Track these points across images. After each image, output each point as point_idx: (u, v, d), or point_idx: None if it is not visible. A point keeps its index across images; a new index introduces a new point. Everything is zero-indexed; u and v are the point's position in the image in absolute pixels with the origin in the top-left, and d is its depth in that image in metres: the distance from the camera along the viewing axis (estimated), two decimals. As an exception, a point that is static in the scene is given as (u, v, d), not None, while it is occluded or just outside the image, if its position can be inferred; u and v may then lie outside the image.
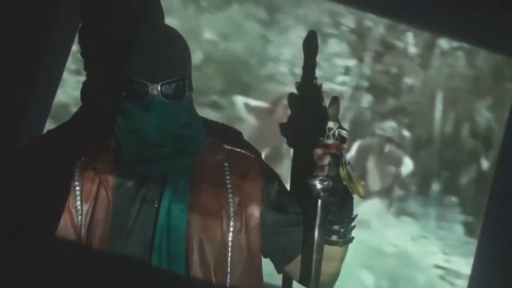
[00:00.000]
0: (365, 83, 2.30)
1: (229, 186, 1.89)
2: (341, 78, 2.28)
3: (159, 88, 1.81)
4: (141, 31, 1.86)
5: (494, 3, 2.27)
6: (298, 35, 2.25)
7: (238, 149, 1.98)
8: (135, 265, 1.82)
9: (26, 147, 2.22)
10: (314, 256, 1.82)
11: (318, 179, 1.77)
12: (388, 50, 2.31)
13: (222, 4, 2.24)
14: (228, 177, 1.90)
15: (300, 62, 2.24)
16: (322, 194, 1.78)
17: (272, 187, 1.94)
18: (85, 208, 1.86)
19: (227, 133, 2.20)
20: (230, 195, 1.88)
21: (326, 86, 2.27)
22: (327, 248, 1.85)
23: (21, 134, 2.23)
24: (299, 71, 2.25)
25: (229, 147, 1.97)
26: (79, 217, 1.86)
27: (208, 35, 2.24)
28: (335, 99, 1.82)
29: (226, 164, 1.92)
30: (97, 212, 1.84)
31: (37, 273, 1.85)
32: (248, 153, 1.98)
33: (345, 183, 1.77)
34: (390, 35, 2.30)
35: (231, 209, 1.87)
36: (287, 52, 2.25)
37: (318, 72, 2.26)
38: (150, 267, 1.81)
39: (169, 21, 2.21)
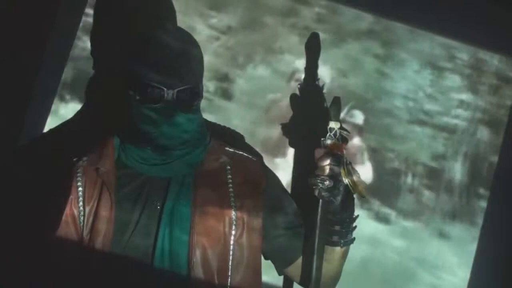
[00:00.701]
0: (480, 116, 2.28)
1: (231, 189, 1.88)
2: (456, 111, 2.27)
3: (174, 94, 1.80)
4: (158, 33, 1.83)
5: None
6: (413, 69, 2.26)
7: (240, 152, 1.97)
8: (137, 268, 1.81)
9: (27, 147, 2.21)
10: (315, 256, 1.81)
11: (319, 178, 1.76)
12: (504, 83, 2.28)
13: (338, 40, 2.26)
14: (230, 180, 1.89)
15: (415, 96, 2.25)
16: (323, 193, 1.77)
17: (273, 190, 1.93)
18: (87, 209, 1.84)
19: (229, 135, 2.19)
20: (232, 199, 1.87)
21: (441, 120, 2.26)
22: (328, 249, 1.83)
23: (21, 134, 2.22)
24: (413, 104, 2.25)
25: (232, 150, 1.96)
26: (81, 218, 1.84)
27: (324, 71, 2.26)
28: (337, 100, 1.82)
29: (229, 167, 1.91)
30: (100, 214, 1.82)
31: (38, 274, 1.84)
32: (250, 156, 1.97)
33: (346, 182, 1.75)
34: (505, 68, 2.28)
35: (233, 213, 1.86)
36: (401, 86, 2.25)
37: (433, 106, 2.26)
38: (152, 270, 1.80)
39: (286, 57, 2.25)
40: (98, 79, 2.25)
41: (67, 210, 1.85)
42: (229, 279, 1.84)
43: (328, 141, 1.79)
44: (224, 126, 2.22)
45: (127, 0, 2.29)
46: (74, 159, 1.92)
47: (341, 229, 1.84)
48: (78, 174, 1.87)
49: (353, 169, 1.78)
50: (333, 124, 1.79)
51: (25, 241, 1.92)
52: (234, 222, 1.86)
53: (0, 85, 2.22)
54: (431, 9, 2.26)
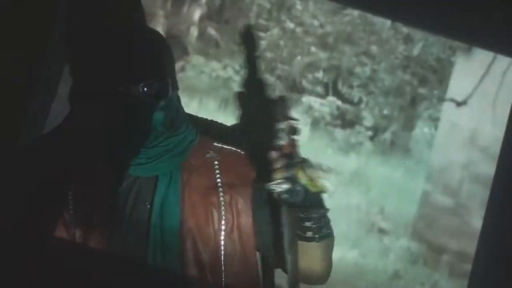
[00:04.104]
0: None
1: (219, 184, 1.87)
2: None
3: (140, 89, 1.80)
4: (120, 32, 1.85)
5: None
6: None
7: (228, 146, 1.95)
8: (129, 266, 1.82)
9: (21, 150, 2.16)
10: (290, 257, 1.79)
11: (275, 182, 1.74)
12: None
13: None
14: (219, 175, 1.88)
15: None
16: (282, 196, 1.75)
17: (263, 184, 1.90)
18: (79, 212, 1.85)
19: (217, 129, 2.13)
20: (221, 194, 1.86)
21: None
22: (304, 245, 1.81)
23: (21, 134, 2.24)
24: None
25: (219, 145, 1.94)
26: (73, 221, 1.85)
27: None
28: (282, 98, 1.79)
29: (216, 162, 1.89)
30: (91, 216, 1.84)
31: (32, 276, 1.83)
32: (239, 150, 1.95)
33: (303, 182, 1.74)
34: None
35: (222, 207, 1.85)
36: None
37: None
38: (144, 267, 1.81)
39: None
40: (77, 83, 2.23)
41: (59, 214, 1.87)
42: (223, 274, 1.85)
43: (279, 143, 1.77)
44: (212, 120, 2.20)
45: (96, 3, 2.32)
46: (66, 163, 1.93)
47: (312, 224, 1.83)
48: (70, 177, 1.90)
49: (310, 165, 1.77)
50: (282, 124, 1.77)
51: (19, 243, 1.93)
52: (223, 218, 1.86)
53: (0, 85, 2.26)
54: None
